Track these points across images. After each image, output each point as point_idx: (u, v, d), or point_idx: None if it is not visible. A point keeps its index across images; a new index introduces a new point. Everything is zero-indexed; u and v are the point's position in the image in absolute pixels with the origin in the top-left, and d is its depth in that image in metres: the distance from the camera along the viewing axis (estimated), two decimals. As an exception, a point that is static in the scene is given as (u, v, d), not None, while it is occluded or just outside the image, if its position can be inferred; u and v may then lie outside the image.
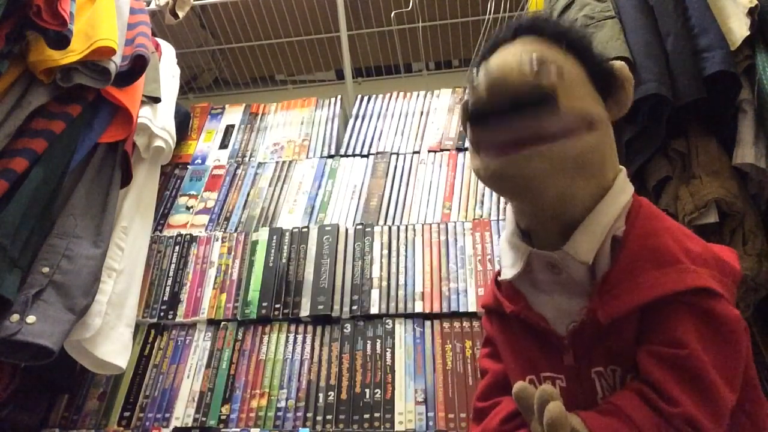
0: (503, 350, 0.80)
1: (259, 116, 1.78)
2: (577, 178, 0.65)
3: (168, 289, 1.40)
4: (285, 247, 1.41)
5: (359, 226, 1.42)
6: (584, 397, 0.69)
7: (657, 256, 0.65)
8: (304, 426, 1.19)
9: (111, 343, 1.19)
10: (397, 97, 1.76)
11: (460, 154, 1.54)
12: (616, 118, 0.72)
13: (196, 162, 1.68)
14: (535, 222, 0.73)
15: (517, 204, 0.75)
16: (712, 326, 0.62)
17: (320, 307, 1.31)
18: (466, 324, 1.25)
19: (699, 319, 0.62)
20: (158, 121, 1.44)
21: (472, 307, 1.25)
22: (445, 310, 1.26)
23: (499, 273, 0.81)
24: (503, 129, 0.65)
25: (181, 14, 1.68)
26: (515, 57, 0.66)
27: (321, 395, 1.22)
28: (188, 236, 1.48)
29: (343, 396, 1.21)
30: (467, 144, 1.55)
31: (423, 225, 1.40)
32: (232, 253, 1.43)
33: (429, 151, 1.57)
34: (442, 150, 1.57)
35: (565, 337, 0.70)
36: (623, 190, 0.70)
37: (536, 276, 0.73)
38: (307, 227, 1.44)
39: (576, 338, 0.69)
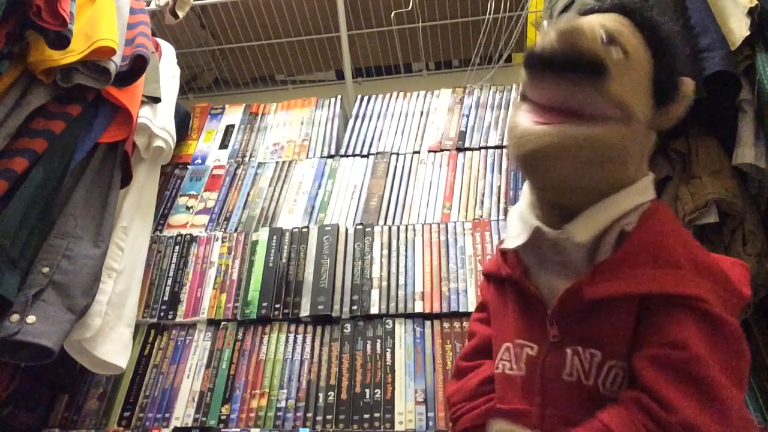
0: (493, 316, 0.81)
1: (259, 116, 1.78)
2: (588, 168, 0.65)
3: (168, 289, 1.40)
4: (285, 247, 1.41)
5: (359, 226, 1.42)
6: (550, 367, 0.69)
7: (659, 256, 0.65)
8: (304, 426, 1.19)
9: (111, 343, 1.19)
10: (397, 97, 1.76)
11: (460, 154, 1.55)
12: (659, 129, 0.71)
13: (196, 162, 1.68)
14: (540, 203, 0.73)
15: (528, 179, 0.74)
16: (715, 328, 0.61)
17: (320, 307, 1.31)
18: (466, 324, 1.24)
19: (701, 321, 0.61)
20: (158, 121, 1.44)
21: (472, 307, 1.24)
22: (445, 310, 1.26)
23: (502, 242, 0.81)
24: (547, 80, 0.65)
25: (181, 14, 1.67)
26: (594, 22, 0.66)
27: (321, 395, 1.22)
28: (188, 236, 1.48)
29: (343, 396, 1.21)
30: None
31: (423, 225, 1.40)
32: (232, 253, 1.43)
33: (429, 151, 1.57)
34: (442, 150, 1.57)
35: (552, 308, 0.71)
36: (642, 192, 0.70)
37: (544, 253, 0.73)
38: (307, 227, 1.44)
39: (560, 309, 0.70)
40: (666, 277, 0.63)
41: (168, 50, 1.66)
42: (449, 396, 0.83)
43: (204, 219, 1.53)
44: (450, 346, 1.23)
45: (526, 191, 0.78)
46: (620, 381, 0.65)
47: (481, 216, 1.40)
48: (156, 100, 1.42)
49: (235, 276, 1.40)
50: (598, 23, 0.67)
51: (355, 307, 1.31)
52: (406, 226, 1.40)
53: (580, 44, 0.63)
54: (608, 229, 0.68)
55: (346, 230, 1.43)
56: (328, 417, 1.19)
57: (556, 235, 0.69)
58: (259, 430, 1.20)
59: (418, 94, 1.75)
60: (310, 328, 1.31)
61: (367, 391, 1.21)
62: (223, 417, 1.22)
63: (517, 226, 0.76)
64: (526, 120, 0.68)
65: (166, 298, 1.39)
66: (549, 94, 0.67)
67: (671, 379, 0.60)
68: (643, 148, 0.70)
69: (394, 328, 1.27)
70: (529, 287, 0.73)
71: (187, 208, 1.57)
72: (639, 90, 0.67)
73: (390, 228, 1.41)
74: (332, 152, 1.64)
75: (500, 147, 1.54)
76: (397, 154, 1.59)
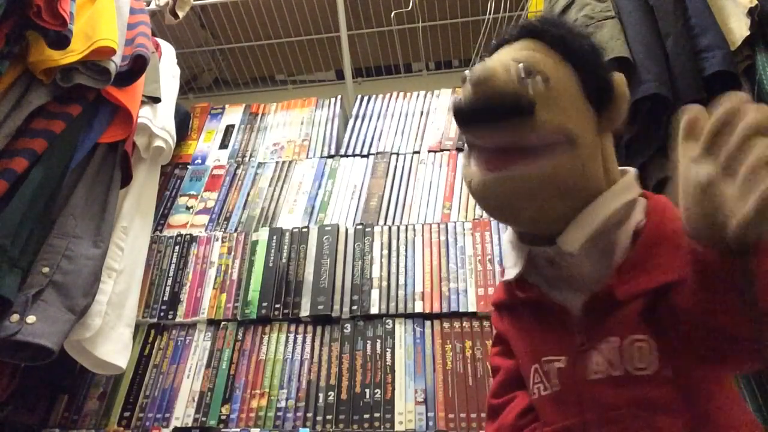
0: (516, 343, 0.80)
1: (259, 116, 1.78)
2: (554, 199, 0.66)
3: (168, 289, 1.40)
4: (285, 247, 1.41)
5: (359, 226, 1.42)
6: (580, 374, 0.69)
7: (676, 238, 0.63)
8: (304, 426, 1.19)
9: (111, 343, 1.19)
10: (397, 97, 1.76)
11: (460, 154, 1.54)
12: (608, 132, 0.71)
13: (196, 162, 1.68)
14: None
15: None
16: None
17: (320, 307, 1.31)
18: (466, 324, 1.25)
19: None
20: (158, 121, 1.44)
21: (472, 307, 1.25)
22: (445, 310, 1.26)
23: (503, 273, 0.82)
24: (480, 131, 0.66)
25: (181, 14, 1.68)
26: (506, 60, 0.66)
27: (321, 395, 1.22)
28: (188, 236, 1.48)
29: (343, 396, 1.21)
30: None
31: (423, 225, 1.40)
32: (232, 253, 1.43)
33: (429, 151, 1.57)
34: (442, 150, 1.57)
35: (577, 316, 0.70)
36: (627, 189, 0.70)
37: (544, 272, 0.74)
38: (307, 227, 1.44)
39: (586, 315, 0.69)
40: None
41: (168, 50, 1.66)
42: None
43: (204, 219, 1.53)
44: (450, 346, 1.23)
45: None
46: (647, 353, 0.64)
47: (481, 216, 1.40)
48: (156, 100, 1.42)
49: (235, 276, 1.40)
50: (510, 58, 0.66)
51: (355, 307, 1.31)
52: (406, 226, 1.40)
53: (495, 89, 0.63)
54: (604, 232, 0.67)
55: (346, 230, 1.43)
56: (328, 417, 1.19)
57: (550, 252, 0.69)
58: (259, 430, 1.20)
59: (418, 94, 1.75)
60: (310, 328, 1.31)
61: (367, 391, 1.21)
62: (223, 417, 1.22)
63: (512, 254, 0.76)
64: (478, 170, 0.68)
65: (166, 298, 1.39)
66: (490, 140, 0.67)
67: None
68: (605, 154, 0.70)
69: (394, 328, 1.27)
70: (552, 301, 0.72)
71: (187, 208, 1.57)
72: (572, 108, 0.66)
73: (390, 228, 1.41)
74: (332, 152, 1.64)
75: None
76: (397, 154, 1.59)
